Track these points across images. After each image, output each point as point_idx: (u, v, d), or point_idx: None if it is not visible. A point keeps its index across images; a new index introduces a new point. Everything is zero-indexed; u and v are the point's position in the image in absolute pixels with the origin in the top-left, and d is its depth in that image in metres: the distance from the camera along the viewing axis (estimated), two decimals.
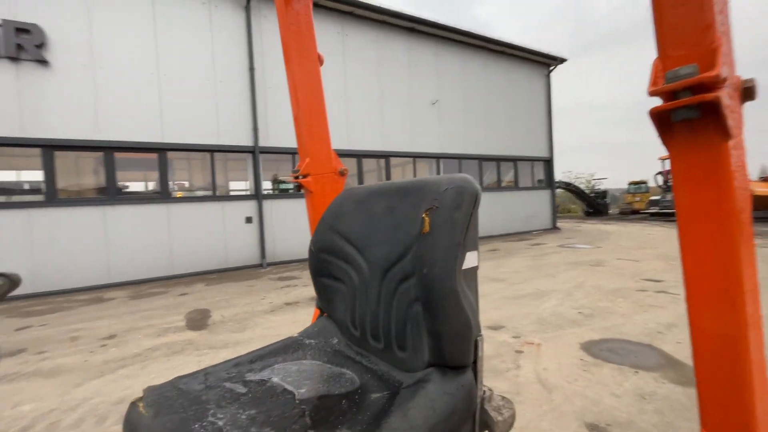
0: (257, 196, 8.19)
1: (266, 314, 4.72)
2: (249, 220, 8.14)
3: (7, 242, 6.10)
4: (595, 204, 23.92)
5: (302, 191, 1.83)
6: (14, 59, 6.11)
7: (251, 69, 8.06)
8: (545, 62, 13.90)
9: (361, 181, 9.66)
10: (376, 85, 9.81)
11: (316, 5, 8.51)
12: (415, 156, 10.74)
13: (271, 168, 9.99)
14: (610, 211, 25.30)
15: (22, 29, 6.11)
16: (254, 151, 8.15)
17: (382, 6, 9.49)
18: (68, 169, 9.15)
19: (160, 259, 7.22)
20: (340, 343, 1.09)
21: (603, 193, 25.09)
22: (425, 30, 10.67)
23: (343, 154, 9.25)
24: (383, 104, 9.97)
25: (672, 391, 2.50)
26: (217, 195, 8.05)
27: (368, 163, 10.24)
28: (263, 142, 8.24)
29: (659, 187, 18.69)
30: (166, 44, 7.29)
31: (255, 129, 8.09)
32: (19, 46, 6.09)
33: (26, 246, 6.22)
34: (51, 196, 6.46)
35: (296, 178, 1.77)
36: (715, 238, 0.83)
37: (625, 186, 26.46)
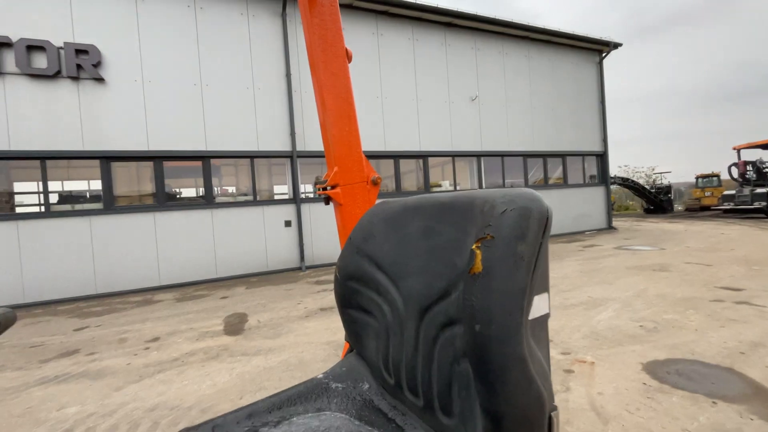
0: (296, 200, 8.29)
1: (301, 320, 4.68)
2: (288, 223, 8.26)
3: (72, 247, 6.62)
4: (656, 200, 21.92)
5: (331, 204, 1.66)
6: (75, 78, 6.63)
7: (288, 75, 8.18)
8: (596, 49, 12.89)
9: (398, 183, 9.48)
10: (412, 84, 9.59)
11: (350, 7, 8.50)
12: (454, 155, 10.37)
13: (309, 172, 10.10)
14: (675, 208, 23.08)
15: (81, 50, 6.61)
16: (292, 156, 8.26)
17: (417, 2, 9.26)
18: (123, 179, 9.86)
19: (205, 263, 7.51)
20: (371, 390, 0.94)
21: (666, 188, 22.92)
22: (463, 24, 10.28)
23: (379, 155, 9.15)
24: (420, 103, 9.73)
25: (762, 429, 2.06)
26: (258, 200, 8.23)
27: (406, 165, 10.03)
28: (300, 147, 8.33)
29: (735, 180, 16.67)
30: (208, 55, 7.58)
31: (292, 134, 8.20)
32: (79, 66, 6.60)
33: (88, 251, 6.72)
34: (108, 204, 6.94)
35: (323, 189, 1.62)
36: None
37: (692, 179, 24.06)
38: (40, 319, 5.62)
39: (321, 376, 0.99)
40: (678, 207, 23.96)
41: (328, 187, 1.61)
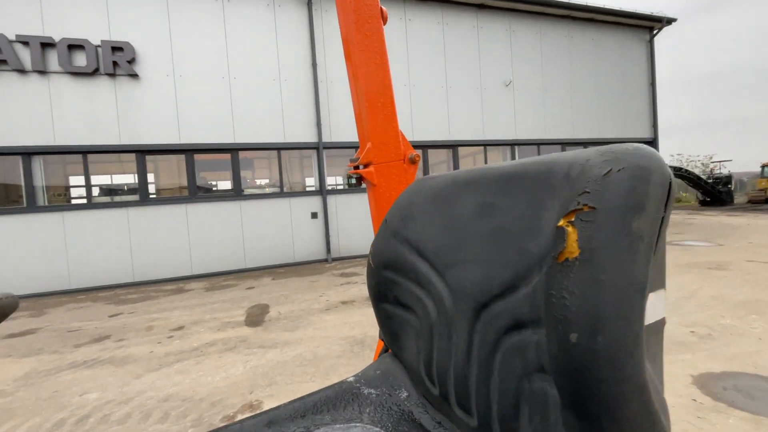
0: (322, 191, 8.25)
1: (321, 313, 4.61)
2: (314, 215, 8.25)
3: (110, 238, 6.96)
4: (713, 192, 20.04)
5: (363, 185, 1.50)
6: (111, 75, 6.89)
7: (314, 65, 8.09)
8: (646, 26, 11.81)
9: (426, 174, 9.21)
10: (441, 70, 9.22)
11: None
12: (486, 144, 9.91)
13: (335, 164, 10.04)
14: (736, 200, 21.02)
15: (117, 47, 6.85)
16: (318, 147, 8.20)
17: None
18: (161, 171, 10.27)
19: (234, 253, 7.67)
20: (410, 400, 0.79)
21: (725, 179, 20.89)
22: (496, 4, 9.71)
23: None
24: (450, 90, 9.34)
25: None
26: (285, 191, 8.27)
27: (434, 155, 9.71)
28: (326, 138, 8.25)
29: None
30: (235, 48, 7.64)
31: (318, 125, 8.13)
32: (115, 63, 6.85)
33: (125, 241, 7.04)
34: (144, 196, 7.22)
35: (355, 168, 1.47)
36: None
37: (756, 169, 21.75)
38: (81, 305, 5.95)
39: (352, 379, 0.85)
40: (740, 199, 21.81)
41: (360, 166, 1.45)
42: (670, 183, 0.49)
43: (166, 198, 7.68)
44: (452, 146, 9.52)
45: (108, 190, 7.57)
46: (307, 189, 8.95)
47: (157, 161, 9.96)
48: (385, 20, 1.51)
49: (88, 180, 7.05)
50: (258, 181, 12.69)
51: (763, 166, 20.86)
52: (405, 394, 0.80)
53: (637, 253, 0.45)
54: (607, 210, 0.47)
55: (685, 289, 4.59)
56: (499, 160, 10.56)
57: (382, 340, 0.96)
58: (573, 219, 0.49)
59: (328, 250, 8.25)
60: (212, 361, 3.39)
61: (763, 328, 3.31)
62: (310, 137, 8.20)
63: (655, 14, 11.44)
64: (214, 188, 10.84)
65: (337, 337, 3.75)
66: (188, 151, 7.43)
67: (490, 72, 9.84)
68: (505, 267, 0.60)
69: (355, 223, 8.54)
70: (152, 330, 4.41)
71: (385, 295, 0.88)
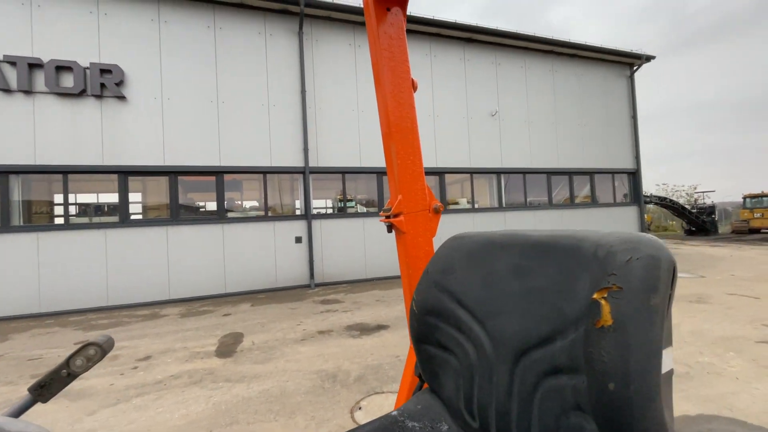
0: (307, 216, 8.19)
1: (295, 343, 4.46)
2: (299, 240, 8.15)
3: (86, 260, 6.77)
4: (698, 221, 20.41)
5: (392, 231, 1.66)
6: (99, 96, 6.91)
7: (303, 92, 8.22)
8: (626, 62, 12.31)
9: None
10: (428, 100, 9.42)
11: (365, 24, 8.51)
12: (473, 172, 10.02)
13: (321, 188, 10.04)
14: (720, 230, 21.39)
15: (105, 70, 6.90)
16: (305, 172, 8.21)
17: (436, 18, 9.18)
18: (146, 192, 10.17)
19: (214, 278, 7.49)
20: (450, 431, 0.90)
21: (709, 209, 21.34)
22: (483, 39, 10.08)
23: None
24: (437, 119, 9.52)
25: None
26: (269, 215, 8.20)
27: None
28: (313, 163, 8.28)
29: None
30: (225, 73, 7.75)
31: (305, 150, 8.17)
32: (103, 85, 6.88)
33: (101, 263, 6.85)
34: (124, 217, 7.09)
35: (387, 217, 1.61)
36: None
37: (739, 199, 22.30)
38: (48, 330, 5.70)
39: (395, 413, 0.94)
40: (724, 229, 22.21)
41: (392, 215, 1.60)
42: (675, 267, 0.64)
43: (146, 220, 7.54)
44: (440, 173, 9.61)
45: (87, 211, 7.41)
46: (292, 213, 8.89)
47: (146, 182, 9.88)
48: (415, 89, 1.69)
49: (66, 200, 6.92)
50: (243, 204, 12.59)
51: (745, 198, 21.40)
52: (445, 427, 0.90)
53: (654, 323, 0.60)
54: (631, 290, 0.61)
55: None
56: (485, 188, 10.67)
57: (419, 377, 1.05)
58: (606, 295, 0.63)
59: (312, 275, 8.11)
60: (174, 396, 3.22)
61: (741, 366, 3.26)
62: (297, 162, 8.22)
63: (635, 51, 11.95)
64: (202, 209, 10.73)
65: (308, 371, 3.60)
66: (172, 173, 7.38)
67: (477, 102, 10.08)
68: (542, 322, 0.73)
69: (341, 248, 8.46)
70: (117, 359, 4.21)
71: (426, 337, 0.98)
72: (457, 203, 10.23)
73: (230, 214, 8.11)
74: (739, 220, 20.69)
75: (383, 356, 3.90)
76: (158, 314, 6.39)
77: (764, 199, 20.19)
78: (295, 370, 3.65)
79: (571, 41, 10.94)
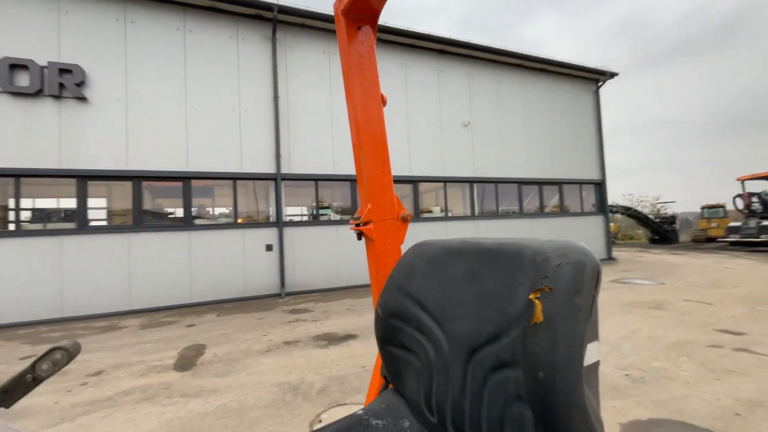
0: (278, 223, 8.05)
1: (259, 355, 4.33)
2: (269, 247, 7.98)
3: (38, 268, 6.38)
4: (660, 230, 21.39)
5: (362, 239, 1.75)
6: (57, 97, 6.59)
7: (275, 98, 8.13)
8: (592, 78, 12.87)
9: None
10: (403, 109, 9.51)
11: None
12: (446, 181, 10.15)
13: (293, 195, 9.92)
14: (681, 239, 22.49)
15: (65, 69, 6.60)
16: (276, 179, 8.08)
17: (409, 29, 9.32)
18: (111, 197, 9.74)
19: (180, 287, 7.21)
20: (412, 428, 0.95)
21: (670, 218, 22.43)
22: (456, 51, 10.31)
23: None
24: (410, 128, 9.62)
25: None
26: (239, 222, 8.00)
27: (397, 190, 9.81)
28: (285, 169, 8.17)
29: (740, 211, 16.22)
30: (195, 77, 7.57)
31: (277, 156, 8.06)
32: (62, 85, 6.57)
33: (55, 272, 6.47)
34: (82, 224, 6.74)
35: (357, 225, 1.68)
36: None
37: (697, 210, 23.52)
38: None
39: (360, 412, 0.98)
40: (684, 237, 23.36)
41: (362, 224, 1.67)
42: (599, 271, 0.71)
43: (106, 226, 7.21)
44: (413, 182, 9.67)
45: (41, 217, 7.01)
46: (263, 220, 8.72)
47: (111, 187, 9.46)
48: (384, 103, 1.75)
49: (18, 205, 6.53)
50: (214, 211, 12.27)
51: (702, 208, 22.61)
52: (407, 423, 0.95)
53: (577, 320, 0.67)
54: (560, 291, 0.69)
55: (625, 330, 4.69)
56: (458, 196, 10.82)
57: (384, 377, 1.10)
58: (539, 295, 0.71)
59: (282, 284, 7.95)
60: (123, 414, 3.05)
61: (692, 371, 3.39)
62: (269, 168, 8.08)
63: (599, 68, 12.52)
64: (171, 216, 10.36)
65: (270, 384, 3.49)
66: (136, 178, 7.09)
67: (450, 113, 10.26)
68: (489, 322, 0.80)
69: (313, 256, 8.34)
70: (65, 375, 3.96)
71: (390, 339, 1.03)
72: (430, 212, 10.32)
73: (198, 221, 7.86)
74: (698, 230, 21.83)
75: (349, 367, 3.83)
76: (117, 326, 6.07)
77: (720, 209, 21.40)
78: (257, 383, 3.53)
79: (541, 56, 11.36)
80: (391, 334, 1.03)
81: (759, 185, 16.08)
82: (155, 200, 12.32)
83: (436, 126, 10.03)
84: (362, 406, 1.01)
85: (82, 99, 6.75)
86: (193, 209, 10.58)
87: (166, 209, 12.05)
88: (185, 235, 7.35)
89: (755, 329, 4.47)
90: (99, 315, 6.68)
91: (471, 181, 10.51)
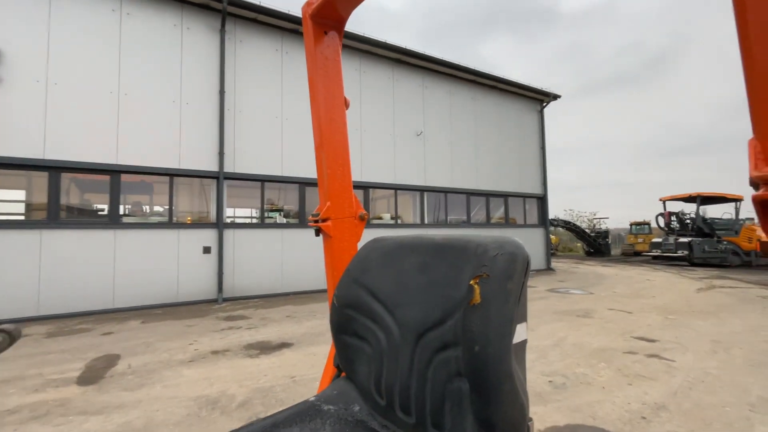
0: (218, 224, 7.60)
1: (181, 366, 3.98)
2: (207, 250, 7.51)
3: None
4: (595, 244, 23.08)
5: (320, 235, 1.77)
6: None
7: (221, 92, 7.74)
8: (538, 98, 13.67)
9: None
10: (356, 114, 9.46)
11: (294, 32, 8.35)
12: (397, 188, 10.22)
13: (237, 195, 9.49)
14: (613, 252, 24.40)
15: None
16: (218, 177, 7.66)
17: (365, 36, 9.33)
18: (21, 190, 8.71)
19: (101, 291, 6.55)
20: (362, 412, 1.01)
21: (604, 233, 24.29)
22: (411, 61, 10.48)
23: (314, 183, 8.76)
24: (363, 134, 9.59)
25: None
26: (174, 222, 7.46)
27: None
28: (229, 168, 7.77)
29: (661, 228, 17.93)
30: (130, 63, 7.00)
31: (221, 154, 7.65)
32: None
33: None
34: None
35: (316, 222, 1.71)
36: None
37: (627, 226, 25.69)
38: None
39: (313, 399, 1.02)
40: (616, 251, 25.36)
41: (320, 220, 1.70)
42: (528, 262, 0.82)
43: (12, 221, 6.37)
44: (365, 188, 9.62)
45: None
46: (202, 221, 8.21)
47: (31, 178, 8.44)
48: (347, 107, 1.83)
49: None
50: (152, 209, 11.41)
51: (631, 224, 24.73)
52: (357, 408, 1.01)
53: (508, 302, 0.77)
54: (495, 277, 0.79)
55: (554, 337, 4.90)
56: (409, 204, 10.92)
57: (336, 366, 1.15)
58: (478, 281, 0.80)
59: (220, 289, 7.49)
60: None
61: (609, 376, 3.58)
62: (211, 166, 7.64)
63: (544, 89, 13.33)
64: (102, 213, 9.44)
65: (186, 397, 3.21)
66: (53, 169, 6.38)
67: (404, 121, 10.38)
68: (436, 308, 0.88)
69: (255, 260, 7.96)
70: None
71: (345, 328, 1.09)
72: (381, 218, 10.31)
73: (127, 219, 7.23)
74: (627, 244, 23.82)
75: (278, 377, 3.63)
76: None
77: (645, 226, 23.52)
78: (171, 397, 3.22)
79: (491, 73, 11.87)
80: (345, 323, 1.08)
81: (678, 205, 17.91)
82: (84, 195, 11.23)
83: (390, 133, 10.09)
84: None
85: None
86: (127, 206, 9.80)
87: (96, 206, 11.02)
88: (110, 234, 6.71)
89: (665, 336, 4.86)
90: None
91: (422, 190, 10.66)
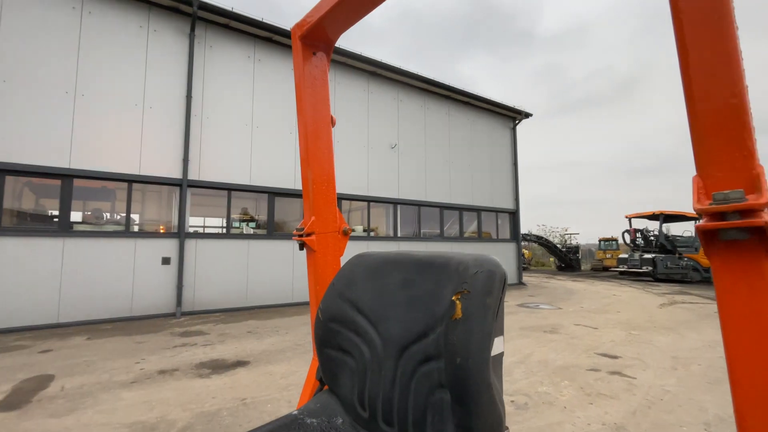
0: (180, 234, 7.24)
1: (121, 388, 3.66)
2: (166, 261, 7.12)
3: None
4: (566, 259, 23.64)
5: (303, 249, 1.78)
6: None
7: (188, 97, 7.48)
8: (510, 115, 14.01)
9: None
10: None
11: (269, 41, 8.21)
12: (370, 200, 10.12)
13: (202, 204, 9.14)
14: (583, 267, 25.04)
15: None
16: (182, 185, 7.33)
17: (341, 48, 9.32)
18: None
19: (44, 304, 6.05)
20: (345, 425, 1.01)
21: (575, 248, 24.96)
22: (386, 75, 10.53)
23: (289, 194, 8.56)
24: (337, 145, 9.48)
25: None
26: (131, 231, 7.06)
27: None
28: (193, 176, 7.46)
29: (627, 245, 18.56)
30: (89, 63, 6.67)
31: (185, 160, 7.34)
32: None
33: None
34: None
35: (300, 236, 1.72)
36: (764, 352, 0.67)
37: (597, 242, 26.50)
38: None
39: (296, 412, 1.02)
40: (586, 266, 26.05)
41: (305, 234, 1.71)
42: (505, 279, 0.90)
43: None
44: (338, 199, 9.45)
45: None
46: (163, 230, 7.82)
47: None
48: (333, 124, 1.84)
49: None
50: (111, 216, 10.84)
51: (600, 240, 25.53)
52: (340, 420, 1.02)
53: (487, 317, 0.85)
54: (475, 293, 0.87)
55: (519, 354, 4.85)
56: (382, 217, 10.82)
57: (319, 379, 1.17)
58: (459, 297, 0.88)
59: (179, 302, 7.09)
60: None
61: (571, 395, 3.52)
62: (174, 173, 7.31)
63: (517, 107, 13.69)
64: (56, 219, 8.83)
65: (120, 424, 2.91)
66: None
67: (378, 134, 10.36)
68: (419, 322, 0.94)
69: (218, 272, 7.61)
70: None
71: (329, 341, 1.10)
72: (353, 230, 10.14)
73: (79, 227, 6.78)
74: (596, 260, 24.53)
75: (227, 400, 3.38)
76: None
77: (613, 242, 24.32)
78: (103, 424, 2.92)
79: (465, 90, 12.09)
80: (330, 337, 1.10)
81: (642, 223, 18.62)
82: (39, 201, 10.55)
83: (364, 145, 10.03)
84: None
85: None
86: (87, 213, 9.24)
87: (51, 212, 10.35)
88: (58, 242, 6.25)
89: (627, 353, 4.89)
90: None
91: (395, 203, 10.60)
